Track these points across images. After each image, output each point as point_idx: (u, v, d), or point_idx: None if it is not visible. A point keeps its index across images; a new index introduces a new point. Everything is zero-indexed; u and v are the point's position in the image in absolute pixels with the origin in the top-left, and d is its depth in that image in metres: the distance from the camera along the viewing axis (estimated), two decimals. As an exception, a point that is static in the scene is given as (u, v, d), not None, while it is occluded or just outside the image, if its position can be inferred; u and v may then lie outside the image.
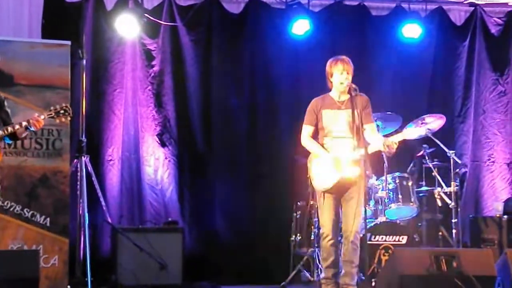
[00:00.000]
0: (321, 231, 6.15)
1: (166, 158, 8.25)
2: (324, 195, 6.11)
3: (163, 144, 8.24)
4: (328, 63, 6.22)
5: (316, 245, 7.42)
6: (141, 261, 7.31)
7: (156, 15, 8.21)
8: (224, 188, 8.33)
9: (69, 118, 6.14)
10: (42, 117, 5.93)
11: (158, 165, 8.24)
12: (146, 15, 8.00)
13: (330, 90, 6.27)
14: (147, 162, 8.22)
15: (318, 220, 7.19)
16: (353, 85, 6.03)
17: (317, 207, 7.27)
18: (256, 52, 8.50)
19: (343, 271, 6.10)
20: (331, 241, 6.05)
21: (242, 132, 8.45)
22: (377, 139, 6.12)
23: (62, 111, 6.04)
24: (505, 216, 8.05)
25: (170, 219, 7.94)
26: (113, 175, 8.11)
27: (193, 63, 8.34)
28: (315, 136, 6.28)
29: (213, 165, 8.34)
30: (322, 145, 6.19)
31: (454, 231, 7.62)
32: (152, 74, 8.27)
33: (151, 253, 7.31)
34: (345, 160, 6.04)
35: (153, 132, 8.25)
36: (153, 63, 8.28)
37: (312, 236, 7.51)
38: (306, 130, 6.30)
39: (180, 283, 7.41)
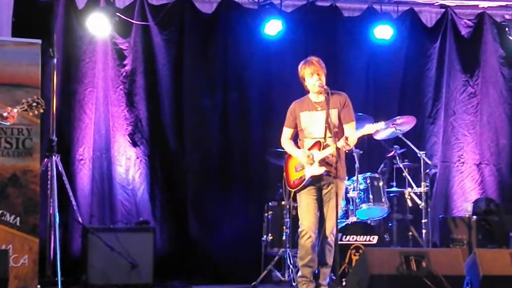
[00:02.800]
0: (299, 229, 6.22)
1: (137, 157, 8.23)
2: (303, 194, 6.23)
3: (134, 144, 8.23)
4: (299, 67, 6.30)
5: (287, 245, 7.51)
6: (112, 261, 7.28)
7: (128, 14, 8.19)
8: (196, 188, 8.33)
9: (41, 110, 6.11)
10: (16, 110, 5.90)
11: (129, 164, 8.22)
12: (117, 14, 7.99)
13: (308, 92, 6.35)
14: (119, 161, 8.20)
15: (291, 220, 7.33)
16: (325, 87, 6.11)
17: (290, 207, 7.45)
18: (229, 52, 8.51)
19: (317, 271, 6.20)
20: (309, 240, 6.13)
21: (214, 132, 8.46)
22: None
23: (34, 104, 6.02)
24: (474, 217, 8.19)
25: (141, 219, 7.91)
26: (84, 174, 8.08)
27: (165, 62, 8.33)
28: (296, 137, 6.39)
29: (185, 165, 8.34)
30: (303, 146, 6.30)
31: (424, 231, 7.70)
32: (124, 74, 8.25)
33: (122, 252, 7.27)
34: (319, 158, 6.14)
35: (124, 131, 8.23)
36: (125, 62, 8.26)
37: (284, 236, 7.58)
38: (285, 133, 6.44)
39: (151, 283, 7.39)
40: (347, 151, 6.31)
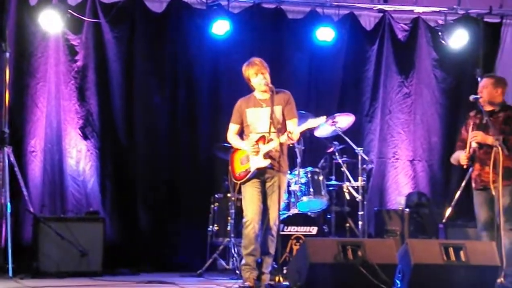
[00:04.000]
0: (243, 220, 6.41)
1: (88, 150, 8.33)
2: (247, 187, 6.43)
3: (85, 137, 8.33)
4: (242, 69, 6.50)
5: (232, 235, 7.70)
6: (62, 249, 7.45)
7: (80, 12, 8.26)
8: (145, 180, 8.48)
9: None
10: None
11: (80, 157, 8.32)
12: (69, 11, 8.06)
13: (253, 90, 6.56)
14: (70, 154, 8.29)
15: (236, 212, 7.55)
16: (270, 85, 6.34)
17: (235, 199, 7.68)
18: (178, 50, 8.62)
19: (259, 260, 6.41)
20: (253, 230, 6.32)
21: (163, 126, 8.58)
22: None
23: None
24: (407, 209, 8.45)
25: (91, 209, 8.03)
26: (36, 166, 8.17)
27: (116, 59, 8.43)
28: (242, 133, 6.59)
29: (135, 158, 8.47)
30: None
31: (360, 222, 7.92)
32: (76, 69, 8.33)
33: (72, 241, 7.43)
34: (264, 150, 6.36)
35: (75, 125, 8.32)
36: (76, 58, 8.34)
37: (229, 226, 7.76)
38: (232, 128, 6.63)
39: (100, 270, 7.54)
40: (291, 145, 6.54)
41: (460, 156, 6.68)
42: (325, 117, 6.50)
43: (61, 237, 7.44)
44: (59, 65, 8.32)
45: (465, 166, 6.71)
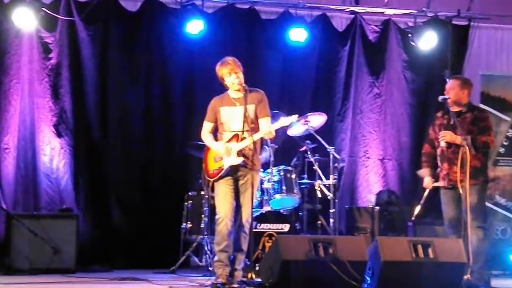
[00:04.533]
0: (216, 217, 6.44)
1: (62, 148, 8.32)
2: (221, 184, 6.47)
3: (59, 135, 8.32)
4: (216, 68, 6.53)
5: (205, 232, 7.75)
6: (35, 246, 7.47)
7: (54, 10, 8.25)
8: (118, 177, 8.49)
9: None
10: None
11: (54, 154, 8.31)
12: (43, 9, 8.05)
13: (227, 89, 6.60)
14: (43, 151, 8.28)
15: (210, 209, 7.60)
16: (243, 84, 6.39)
17: (208, 197, 7.73)
18: (152, 48, 8.65)
19: (232, 256, 6.46)
20: (226, 227, 6.36)
21: (137, 124, 8.60)
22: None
23: None
24: (377, 207, 8.55)
25: (64, 206, 8.05)
26: (9, 163, 8.16)
27: (90, 57, 8.44)
28: (216, 130, 6.63)
29: (109, 155, 8.48)
30: (222, 139, 6.55)
31: (331, 220, 8.02)
32: (49, 67, 8.32)
33: (45, 238, 7.45)
34: (237, 149, 6.41)
35: (49, 122, 8.31)
36: (50, 56, 8.33)
37: (202, 224, 7.82)
38: (205, 126, 6.67)
39: (73, 267, 7.56)
40: (269, 140, 6.62)
41: (425, 180, 7.00)
42: (297, 115, 6.57)
43: (34, 234, 7.46)
44: (33, 63, 8.30)
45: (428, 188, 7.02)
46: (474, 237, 6.49)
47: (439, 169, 6.94)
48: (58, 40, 8.37)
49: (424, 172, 7.06)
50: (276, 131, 6.54)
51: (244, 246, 6.46)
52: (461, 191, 6.60)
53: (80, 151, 8.43)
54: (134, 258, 8.27)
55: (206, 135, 6.67)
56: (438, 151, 6.89)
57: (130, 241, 8.36)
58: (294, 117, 6.50)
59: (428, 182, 7.02)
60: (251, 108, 6.45)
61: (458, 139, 6.64)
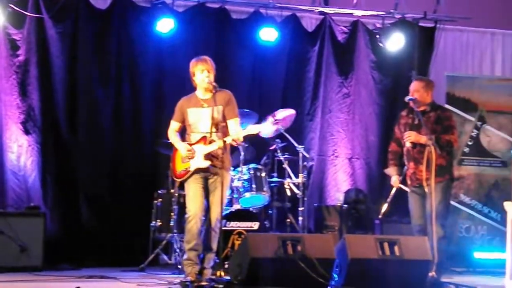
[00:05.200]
0: (186, 215, 6.45)
1: (29, 145, 8.26)
2: (191, 183, 6.47)
3: (27, 132, 8.26)
4: (190, 64, 6.53)
5: (175, 230, 7.76)
6: (1, 244, 7.43)
7: (22, 6, 8.18)
8: (87, 175, 8.45)
9: None
10: None
11: (21, 152, 8.25)
12: (10, 5, 8.00)
13: (195, 89, 6.61)
14: (10, 148, 8.22)
15: (179, 207, 7.61)
16: (213, 83, 6.40)
17: (178, 195, 7.76)
18: (122, 46, 8.62)
19: (201, 255, 6.47)
20: (195, 225, 6.36)
21: (106, 122, 8.56)
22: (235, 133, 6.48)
23: None
24: (345, 205, 8.65)
25: (32, 204, 8.00)
26: (-25, 160, 8.07)
27: (59, 54, 8.38)
28: (184, 131, 6.64)
29: (77, 153, 8.43)
30: (190, 140, 6.55)
31: (300, 218, 8.08)
32: (17, 64, 8.26)
33: (12, 236, 7.41)
34: (200, 151, 6.42)
35: (17, 119, 8.25)
36: (18, 52, 8.27)
37: (172, 222, 7.83)
38: (172, 126, 6.67)
39: (40, 265, 7.52)
40: (236, 145, 6.62)
41: (392, 178, 7.12)
42: (263, 125, 6.69)
43: (1, 232, 7.43)
44: (0, 60, 8.24)
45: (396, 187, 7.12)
46: (435, 235, 6.58)
47: (406, 168, 7.05)
48: (26, 37, 8.30)
49: (391, 171, 7.17)
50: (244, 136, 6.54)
51: (214, 245, 6.48)
52: (426, 189, 6.71)
53: (48, 149, 8.37)
54: (102, 256, 8.21)
55: (172, 134, 6.67)
56: (404, 150, 7.01)
57: (99, 239, 8.31)
58: (261, 126, 6.56)
59: (395, 181, 7.13)
60: (218, 109, 6.44)
61: (422, 139, 6.76)
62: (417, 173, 6.87)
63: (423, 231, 6.79)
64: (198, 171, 6.46)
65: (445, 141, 6.73)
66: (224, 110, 6.47)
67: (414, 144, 6.86)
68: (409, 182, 6.99)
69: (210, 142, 6.41)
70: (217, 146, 6.35)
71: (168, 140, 6.89)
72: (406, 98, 6.95)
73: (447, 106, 8.72)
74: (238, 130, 6.44)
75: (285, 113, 8.03)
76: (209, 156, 6.41)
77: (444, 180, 6.76)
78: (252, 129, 6.46)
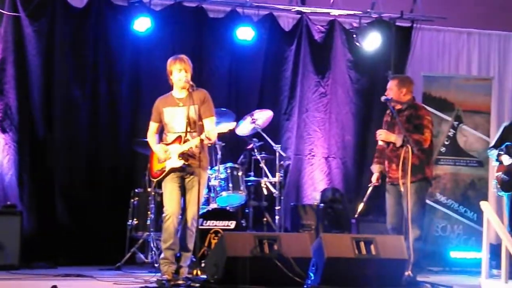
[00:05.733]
0: (163, 214, 6.46)
1: (6, 144, 8.22)
2: (167, 182, 6.48)
3: (3, 130, 8.22)
4: (167, 63, 6.54)
5: (151, 229, 7.77)
6: (-23, 243, 7.37)
7: None
8: (64, 174, 8.42)
9: None
10: None
11: None
12: None
13: (172, 88, 6.61)
14: None
15: (156, 206, 7.64)
16: (190, 82, 6.42)
17: (154, 194, 7.77)
18: (99, 45, 8.60)
19: (178, 254, 6.49)
20: (172, 224, 6.38)
21: (83, 121, 8.55)
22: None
23: None
24: (322, 204, 8.70)
25: (8, 202, 7.95)
26: (-49, 159, 8.01)
27: (36, 53, 8.35)
28: (163, 130, 6.65)
29: (54, 152, 8.40)
30: (166, 140, 6.57)
31: (277, 217, 8.09)
32: None
33: None
34: (175, 151, 6.43)
35: None
36: None
37: (148, 221, 7.84)
38: (151, 127, 6.69)
39: (17, 264, 7.50)
40: (209, 145, 6.62)
41: (373, 176, 7.13)
42: (235, 123, 6.62)
43: (-23, 231, 7.41)
44: (-23, 58, 8.19)
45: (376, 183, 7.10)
46: (411, 234, 6.61)
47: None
48: (2, 36, 8.25)
49: (374, 168, 7.17)
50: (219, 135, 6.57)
51: (190, 245, 6.49)
52: (402, 189, 6.74)
53: (24, 147, 8.34)
54: (79, 255, 8.19)
55: (151, 136, 6.69)
56: (379, 148, 7.07)
57: (75, 238, 8.29)
58: (232, 124, 6.52)
59: (374, 179, 7.12)
60: (194, 108, 6.44)
61: (392, 138, 6.81)
62: (390, 171, 6.92)
63: (396, 229, 6.84)
64: (174, 170, 6.47)
65: (414, 141, 6.71)
66: (200, 109, 6.47)
67: (387, 143, 6.91)
68: (387, 179, 7.03)
69: (185, 142, 6.42)
70: (192, 145, 6.35)
71: (145, 138, 6.89)
72: (382, 98, 6.98)
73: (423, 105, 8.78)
74: (212, 128, 6.43)
75: (263, 115, 8.07)
76: (185, 155, 6.42)
77: (417, 180, 6.75)
78: (224, 127, 6.44)
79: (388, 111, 7.12)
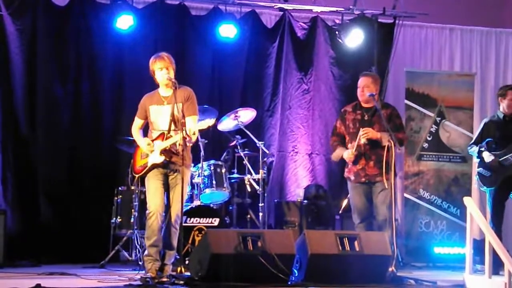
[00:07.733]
0: (147, 211, 6.46)
1: None
2: (151, 179, 6.49)
3: None
4: (150, 62, 6.54)
5: (135, 227, 7.77)
6: (-39, 242, 7.32)
7: None
8: (47, 172, 8.41)
9: None
10: None
11: None
12: None
13: (158, 85, 6.62)
14: None
15: (139, 204, 7.63)
16: (173, 80, 6.42)
17: (138, 192, 7.76)
18: (82, 43, 8.59)
19: (162, 251, 6.49)
20: (156, 221, 6.38)
21: (66, 118, 8.53)
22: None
23: None
24: (305, 201, 8.70)
25: None
26: None
27: (18, 51, 8.33)
28: (148, 127, 6.65)
29: (37, 149, 8.39)
30: (151, 137, 6.57)
31: (261, 214, 8.09)
32: None
33: None
34: (157, 147, 6.43)
35: None
36: None
37: (132, 219, 7.84)
38: (136, 122, 6.70)
39: (1, 262, 7.50)
40: (190, 144, 6.56)
41: (344, 153, 7.00)
42: (214, 119, 6.58)
43: (-39, 230, 7.38)
44: (-41, 57, 8.14)
45: (350, 163, 7.00)
46: (394, 230, 6.68)
47: (350, 164, 7.05)
48: (-15, 34, 8.22)
49: (340, 150, 7.10)
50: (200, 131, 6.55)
51: (174, 242, 6.50)
52: (386, 185, 6.77)
53: (7, 146, 8.33)
54: (63, 253, 8.19)
55: (135, 130, 6.70)
56: (350, 146, 7.01)
57: (59, 236, 8.29)
58: (212, 121, 6.46)
59: (348, 153, 6.96)
60: (179, 106, 6.44)
61: (378, 136, 6.84)
62: (366, 169, 6.92)
63: (365, 227, 6.89)
64: (157, 166, 6.48)
65: (398, 139, 6.77)
66: (183, 107, 6.47)
67: (368, 140, 6.92)
68: (353, 178, 7.00)
69: (167, 139, 6.43)
70: (173, 141, 6.35)
71: (129, 136, 6.90)
72: (367, 94, 7.00)
73: (406, 102, 8.80)
74: (192, 127, 6.39)
75: (247, 113, 8.09)
76: (167, 152, 6.43)
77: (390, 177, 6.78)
78: (204, 123, 6.37)
79: (349, 109, 7.12)
